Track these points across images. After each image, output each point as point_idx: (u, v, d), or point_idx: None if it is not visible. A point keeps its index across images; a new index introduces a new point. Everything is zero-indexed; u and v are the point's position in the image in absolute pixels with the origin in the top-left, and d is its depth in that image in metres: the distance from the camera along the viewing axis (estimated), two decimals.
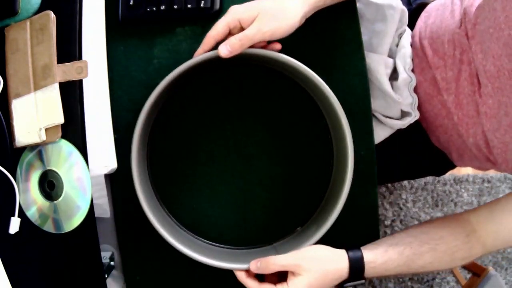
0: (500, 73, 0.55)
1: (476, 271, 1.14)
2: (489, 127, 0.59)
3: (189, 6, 0.61)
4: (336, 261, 0.55)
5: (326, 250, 0.56)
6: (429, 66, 0.67)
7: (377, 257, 0.56)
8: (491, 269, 1.09)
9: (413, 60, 0.72)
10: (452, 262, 0.57)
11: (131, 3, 0.62)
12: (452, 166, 0.82)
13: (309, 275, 0.52)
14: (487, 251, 0.58)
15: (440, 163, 0.81)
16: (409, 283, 1.45)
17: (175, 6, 0.61)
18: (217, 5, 0.61)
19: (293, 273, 0.53)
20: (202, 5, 0.61)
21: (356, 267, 0.55)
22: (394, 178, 1.00)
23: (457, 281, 1.39)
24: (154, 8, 0.61)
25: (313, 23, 0.59)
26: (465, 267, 1.24)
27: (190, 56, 0.56)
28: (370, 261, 0.55)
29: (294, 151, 0.63)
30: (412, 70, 0.69)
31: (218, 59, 0.53)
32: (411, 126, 0.75)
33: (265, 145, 0.62)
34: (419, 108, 0.74)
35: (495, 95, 0.57)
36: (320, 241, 0.57)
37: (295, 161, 0.63)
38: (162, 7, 0.61)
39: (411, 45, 0.73)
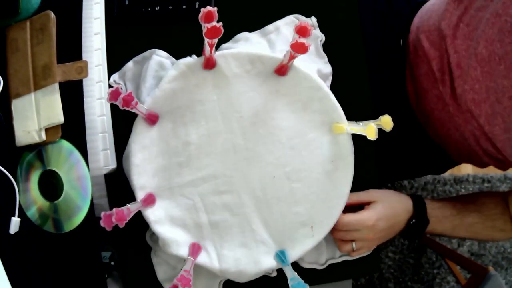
0: (491, 58, 0.55)
1: (476, 271, 1.15)
2: (478, 113, 0.60)
3: (184, 7, 0.61)
4: (402, 196, 0.65)
5: (392, 191, 0.65)
6: (426, 58, 0.68)
7: (435, 203, 0.66)
8: (491, 269, 1.09)
9: (409, 57, 0.72)
10: (493, 230, 0.66)
11: (126, 3, 0.62)
12: (452, 164, 0.82)
13: (383, 203, 0.61)
14: None
15: (440, 161, 0.81)
16: (409, 283, 1.45)
17: (170, 7, 0.61)
18: (212, 6, 0.61)
19: (368, 204, 0.61)
20: (197, 6, 0.61)
21: (419, 203, 0.64)
22: (394, 178, 1.00)
23: (457, 281, 1.39)
24: (149, 9, 0.61)
25: None
26: (465, 267, 1.24)
27: (186, 55, 0.56)
28: (429, 202, 0.65)
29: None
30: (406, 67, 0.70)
31: None
32: (409, 123, 0.75)
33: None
34: (418, 104, 0.74)
35: (483, 80, 0.58)
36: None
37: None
38: (157, 8, 0.61)
39: (408, 43, 0.73)
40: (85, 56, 0.58)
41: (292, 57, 0.51)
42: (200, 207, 0.56)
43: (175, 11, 0.62)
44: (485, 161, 0.69)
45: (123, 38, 0.63)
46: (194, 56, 0.60)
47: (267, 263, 0.55)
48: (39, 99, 0.53)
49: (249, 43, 0.60)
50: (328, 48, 0.62)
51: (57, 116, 0.53)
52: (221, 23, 0.46)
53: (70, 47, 0.57)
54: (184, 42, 0.62)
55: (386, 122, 0.48)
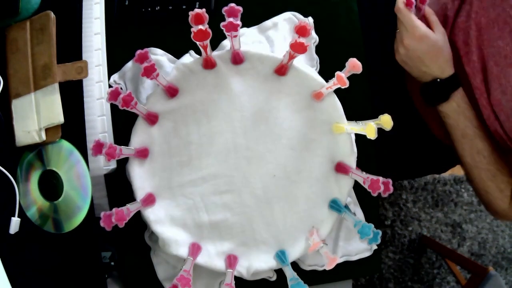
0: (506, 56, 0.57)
1: (476, 271, 1.15)
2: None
3: (184, 7, 0.61)
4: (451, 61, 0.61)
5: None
6: None
7: (466, 99, 0.62)
8: (491, 269, 1.09)
9: None
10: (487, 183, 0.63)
11: (126, 3, 0.62)
12: (454, 162, 0.82)
13: (443, 41, 0.59)
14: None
15: (442, 159, 0.81)
16: (409, 283, 1.45)
17: (170, 7, 0.61)
18: (212, 6, 0.61)
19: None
20: (197, 6, 0.61)
21: (456, 80, 0.60)
22: (394, 178, 1.00)
23: (457, 281, 1.39)
24: (149, 9, 0.62)
25: None
26: (465, 267, 1.24)
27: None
28: (462, 93, 0.61)
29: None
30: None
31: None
32: (410, 122, 0.75)
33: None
34: (418, 103, 0.74)
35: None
36: None
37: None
38: (157, 8, 0.61)
39: None
40: (85, 56, 0.58)
41: (291, 57, 0.52)
42: (201, 207, 0.56)
43: (175, 11, 0.62)
44: None
45: (123, 38, 0.63)
46: (192, 52, 0.60)
47: (267, 262, 0.55)
48: (39, 99, 0.53)
49: (249, 41, 0.60)
50: (328, 48, 0.62)
51: (57, 116, 0.53)
52: (207, 26, 0.47)
53: (70, 47, 0.57)
54: (184, 42, 0.62)
55: (386, 121, 0.48)
